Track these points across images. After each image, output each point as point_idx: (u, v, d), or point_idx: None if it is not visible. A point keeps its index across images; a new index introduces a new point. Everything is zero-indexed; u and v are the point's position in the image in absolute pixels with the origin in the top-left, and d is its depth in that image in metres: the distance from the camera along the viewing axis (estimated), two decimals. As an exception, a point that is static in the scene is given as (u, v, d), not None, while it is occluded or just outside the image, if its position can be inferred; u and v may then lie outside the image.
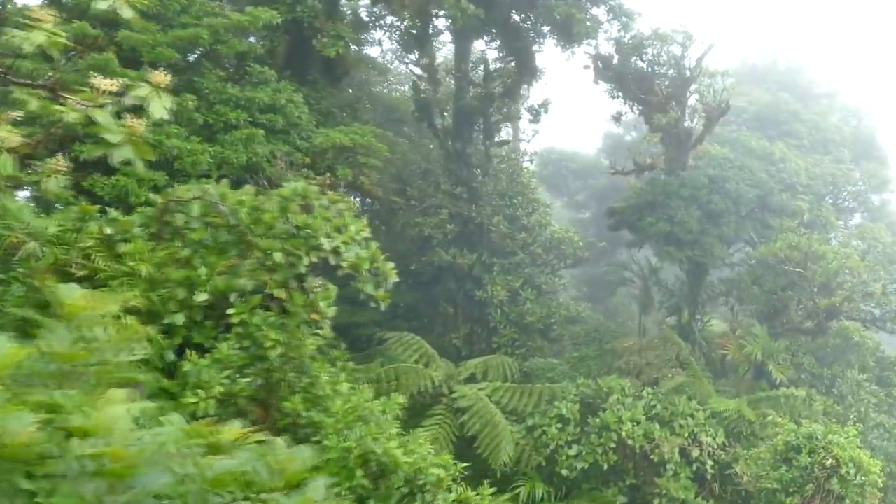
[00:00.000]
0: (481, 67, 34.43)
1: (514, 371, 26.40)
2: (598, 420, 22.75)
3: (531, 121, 31.87)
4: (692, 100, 26.77)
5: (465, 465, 24.19)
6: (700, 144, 27.91)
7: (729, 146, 35.47)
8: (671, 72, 26.42)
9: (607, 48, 28.45)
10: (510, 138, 44.28)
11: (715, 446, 22.74)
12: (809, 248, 25.75)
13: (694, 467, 22.44)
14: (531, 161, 37.85)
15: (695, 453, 22.30)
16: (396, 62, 42.34)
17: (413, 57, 35.02)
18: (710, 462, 22.58)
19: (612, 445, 22.32)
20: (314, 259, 11.35)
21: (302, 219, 11.59)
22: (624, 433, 22.25)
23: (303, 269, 11.17)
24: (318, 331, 12.20)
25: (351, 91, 37.72)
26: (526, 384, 25.39)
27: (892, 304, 30.69)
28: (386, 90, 40.27)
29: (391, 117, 38.76)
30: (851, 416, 25.55)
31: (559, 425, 23.24)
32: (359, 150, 22.70)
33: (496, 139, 34.16)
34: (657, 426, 22.74)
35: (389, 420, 11.59)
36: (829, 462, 17.33)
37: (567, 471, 22.37)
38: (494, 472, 22.99)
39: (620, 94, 26.82)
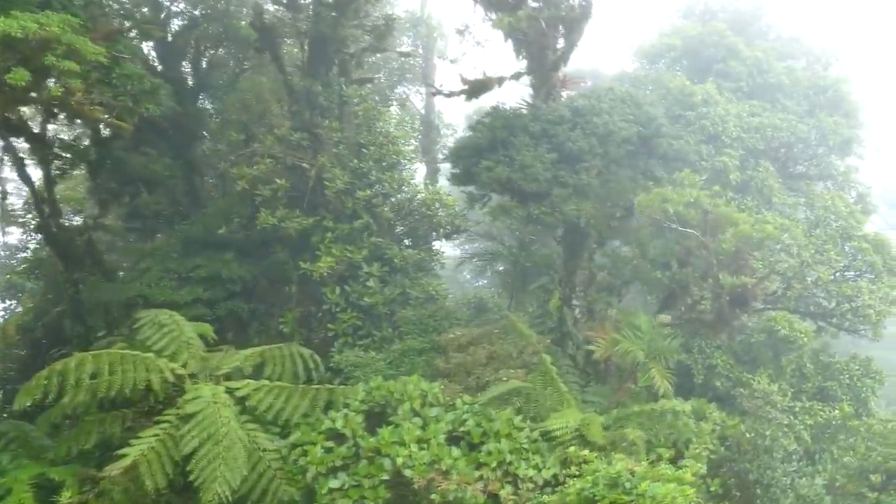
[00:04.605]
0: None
1: (312, 365, 19.59)
2: (371, 440, 16.00)
3: (374, 48, 25.09)
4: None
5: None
6: (564, 64, 20.84)
7: (654, 91, 28.28)
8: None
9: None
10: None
11: (540, 482, 15.78)
12: (715, 207, 18.61)
13: (507, 512, 15.55)
14: (402, 105, 30.96)
15: (504, 491, 15.38)
16: None
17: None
18: (532, 505, 15.67)
19: (385, 477, 15.58)
20: None
21: None
22: (400, 460, 15.45)
23: None
24: None
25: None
26: (311, 385, 18.61)
27: (845, 291, 23.35)
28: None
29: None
30: (762, 441, 18.43)
31: (329, 444, 16.56)
32: (50, 49, 16.10)
33: (356, 76, 27.28)
34: (456, 451, 15.92)
35: None
36: (631, 528, 10.53)
37: (328, 510, 15.66)
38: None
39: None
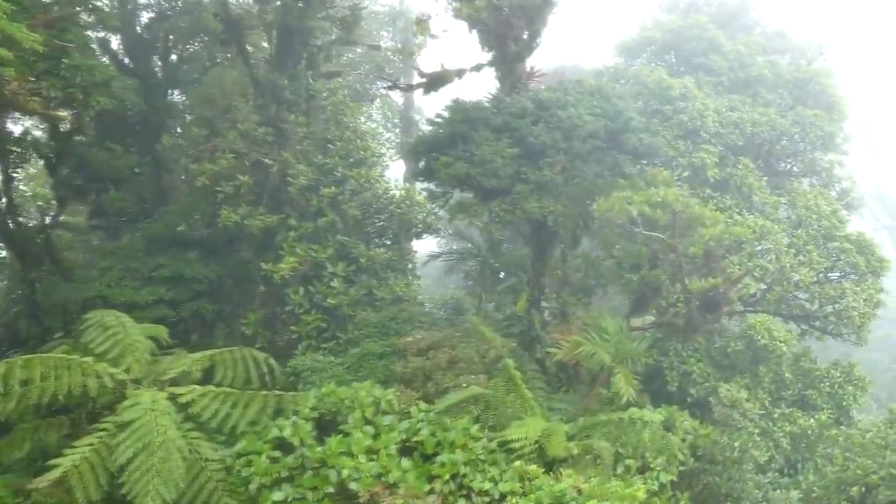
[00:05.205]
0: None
1: (266, 369, 18.64)
2: (318, 450, 15.11)
3: (342, 41, 24.18)
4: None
5: None
6: (529, 55, 19.90)
7: (631, 85, 27.37)
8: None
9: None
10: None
11: (497, 495, 14.86)
12: (687, 206, 17.71)
13: (460, 527, 14.64)
14: (372, 101, 30.02)
15: (456, 506, 14.48)
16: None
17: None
18: (487, 520, 14.75)
19: (330, 490, 14.68)
20: None
21: None
22: (346, 472, 14.55)
23: None
24: None
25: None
26: (260, 391, 17.64)
27: (828, 292, 22.47)
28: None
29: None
30: (731, 452, 17.53)
31: (276, 454, 15.66)
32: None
33: (325, 69, 26.36)
34: (406, 462, 15.02)
35: None
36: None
37: (270, 526, 14.77)
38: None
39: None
